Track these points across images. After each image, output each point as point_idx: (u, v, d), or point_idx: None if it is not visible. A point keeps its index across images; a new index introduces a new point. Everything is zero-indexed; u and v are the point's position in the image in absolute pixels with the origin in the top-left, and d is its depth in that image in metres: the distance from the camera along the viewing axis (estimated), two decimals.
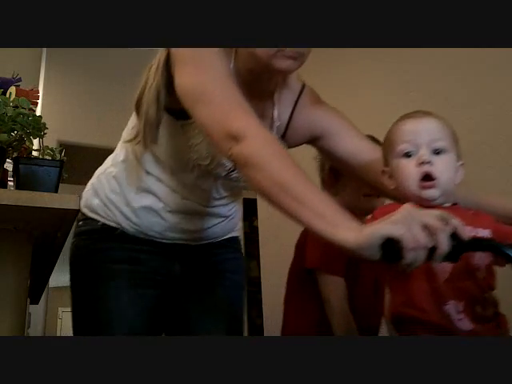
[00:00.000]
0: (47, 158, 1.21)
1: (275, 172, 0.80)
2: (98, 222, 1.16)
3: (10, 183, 1.30)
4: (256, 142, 0.84)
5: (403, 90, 2.13)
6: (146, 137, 1.01)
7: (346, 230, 0.73)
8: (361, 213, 1.23)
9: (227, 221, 1.23)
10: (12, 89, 1.36)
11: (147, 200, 1.13)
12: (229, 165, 1.06)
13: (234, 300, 1.26)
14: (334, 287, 1.41)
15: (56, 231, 1.26)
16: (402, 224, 0.70)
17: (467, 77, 1.89)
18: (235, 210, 1.25)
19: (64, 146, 1.32)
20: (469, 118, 1.82)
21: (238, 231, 1.33)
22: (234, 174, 1.09)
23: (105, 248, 1.15)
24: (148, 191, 1.13)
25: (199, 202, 1.14)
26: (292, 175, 0.81)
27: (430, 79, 2.03)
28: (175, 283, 1.20)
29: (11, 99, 1.20)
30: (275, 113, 1.09)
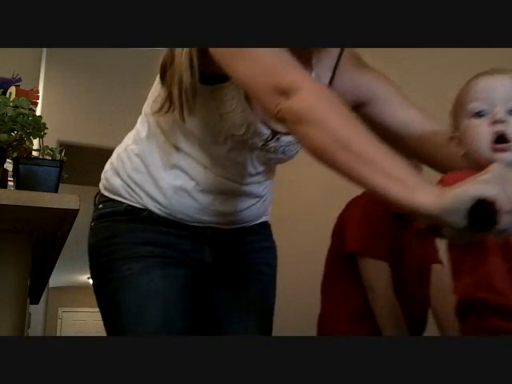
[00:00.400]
0: (47, 158, 1.21)
1: (334, 127, 0.72)
2: (123, 203, 1.04)
3: (10, 183, 1.30)
4: (311, 96, 0.75)
5: (403, 90, 2.13)
6: (183, 107, 0.91)
7: (425, 194, 0.64)
8: None
9: (261, 202, 1.13)
10: (12, 89, 1.36)
11: (177, 179, 1.01)
12: (266, 133, 0.97)
13: (266, 296, 1.16)
14: (378, 273, 1.31)
15: (56, 231, 1.26)
16: (495, 184, 0.61)
17: (467, 77, 1.89)
18: (269, 191, 1.14)
19: (64, 146, 1.32)
20: None
21: (269, 215, 1.21)
22: (272, 143, 0.99)
23: (131, 229, 1.03)
24: (177, 169, 1.01)
25: (233, 178, 1.03)
26: (353, 131, 0.72)
27: (430, 79, 2.03)
28: (206, 271, 1.09)
29: (11, 99, 1.20)
30: (313, 77, 0.97)
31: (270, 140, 0.98)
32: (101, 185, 1.09)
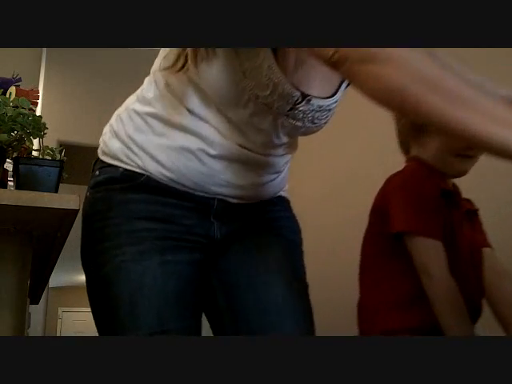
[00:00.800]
0: (47, 158, 1.21)
1: (417, 65, 0.63)
2: (119, 168, 0.92)
3: (10, 183, 1.30)
4: None
5: None
6: (200, 62, 0.82)
7: None
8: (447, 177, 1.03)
9: (280, 178, 1.00)
10: (12, 89, 1.36)
11: (185, 140, 0.88)
12: (296, 95, 0.85)
13: (295, 260, 1.00)
14: (433, 254, 1.15)
15: (56, 231, 1.26)
16: None
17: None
18: (288, 166, 1.02)
19: (64, 146, 1.32)
20: None
21: (286, 191, 1.07)
22: (302, 107, 0.87)
23: (128, 200, 0.90)
24: (187, 132, 0.89)
25: (253, 148, 0.91)
26: (440, 70, 0.63)
27: None
28: (216, 247, 0.95)
29: (11, 99, 1.20)
30: None
31: (299, 103, 0.87)
32: (99, 150, 0.98)
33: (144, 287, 0.86)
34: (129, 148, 0.92)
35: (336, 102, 0.92)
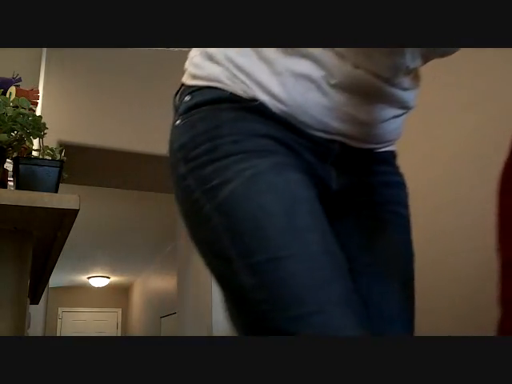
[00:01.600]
0: (47, 158, 1.21)
1: None
2: (224, 90, 0.77)
3: (10, 183, 1.30)
4: None
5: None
6: None
7: None
8: None
9: (403, 118, 0.87)
10: (12, 89, 1.36)
11: (300, 65, 0.75)
12: None
13: (406, 244, 0.87)
14: None
15: (56, 231, 1.26)
16: None
17: (468, 77, 1.89)
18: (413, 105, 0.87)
19: (64, 146, 1.32)
20: (468, 119, 1.82)
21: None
22: None
23: (242, 118, 0.75)
24: (301, 55, 0.75)
25: (379, 73, 0.77)
26: None
27: (431, 79, 2.02)
28: (331, 201, 0.82)
29: (11, 99, 1.20)
30: None
31: None
32: (185, 76, 0.84)
33: (297, 199, 0.70)
34: (230, 72, 0.77)
35: None
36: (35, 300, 2.24)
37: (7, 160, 1.21)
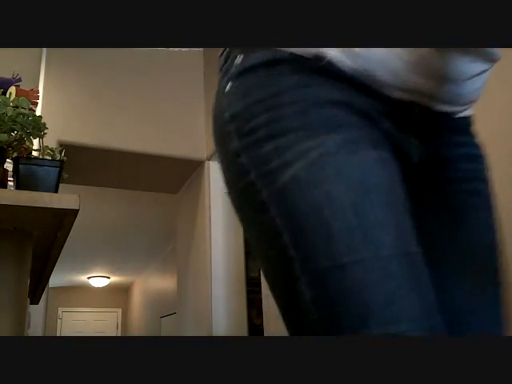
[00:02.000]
0: (47, 158, 1.21)
1: None
2: (283, 51, 0.67)
3: (10, 183, 1.30)
4: None
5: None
6: None
7: None
8: None
9: (487, 76, 0.75)
10: (12, 89, 1.36)
11: None
12: None
13: (488, 229, 0.75)
14: None
15: (56, 231, 1.26)
16: None
17: None
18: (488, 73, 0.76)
19: (64, 146, 1.32)
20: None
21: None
22: None
23: (305, 83, 0.64)
24: None
25: None
26: None
27: None
28: (410, 175, 0.71)
29: (11, 99, 1.20)
30: None
31: None
32: None
33: (369, 187, 0.59)
34: None
35: None
36: (35, 300, 2.24)
37: (7, 160, 1.22)
